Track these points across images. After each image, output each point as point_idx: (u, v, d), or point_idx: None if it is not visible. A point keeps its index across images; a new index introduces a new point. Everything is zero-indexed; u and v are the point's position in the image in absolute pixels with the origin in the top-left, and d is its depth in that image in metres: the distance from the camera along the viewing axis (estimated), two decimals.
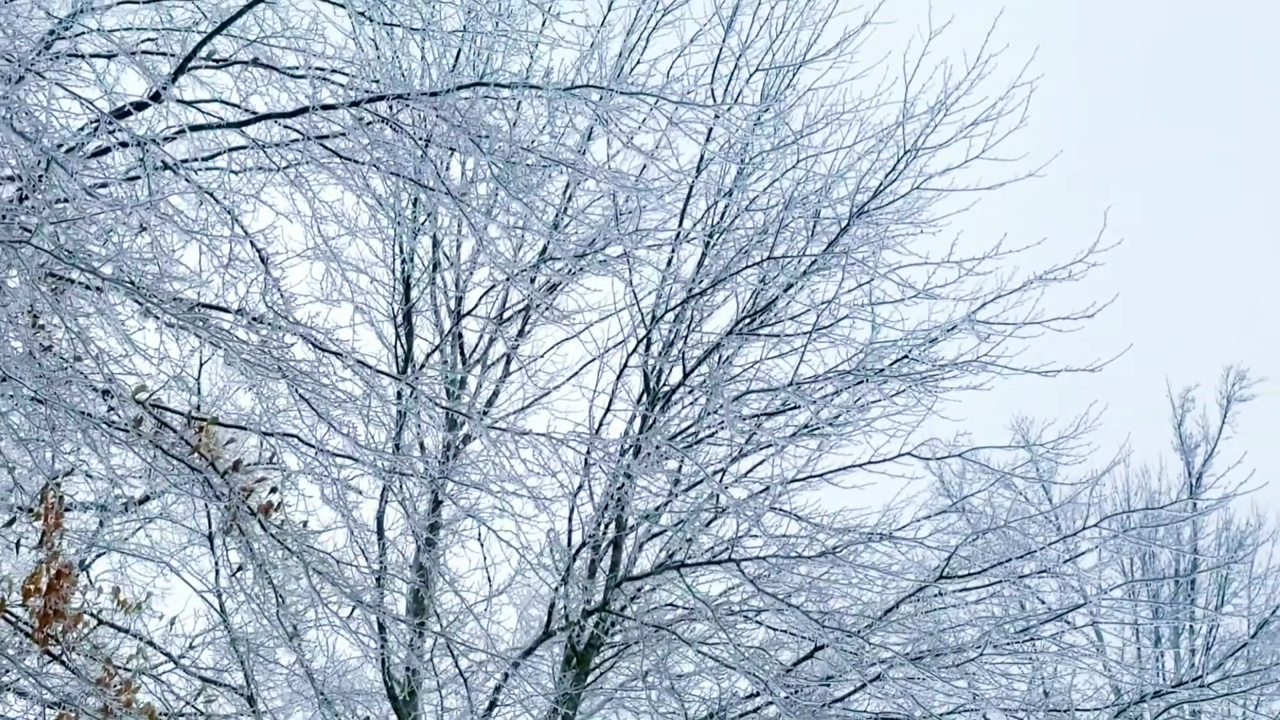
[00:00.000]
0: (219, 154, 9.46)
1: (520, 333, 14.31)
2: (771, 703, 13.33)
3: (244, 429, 10.36)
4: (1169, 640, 24.44)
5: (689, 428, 13.58)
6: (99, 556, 14.19)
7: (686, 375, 13.72)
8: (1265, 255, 52.35)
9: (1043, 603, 15.14)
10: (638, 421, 13.59)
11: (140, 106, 8.75)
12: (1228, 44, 56.40)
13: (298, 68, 9.22)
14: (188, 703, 11.94)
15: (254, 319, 9.49)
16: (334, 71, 9.40)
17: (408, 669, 13.71)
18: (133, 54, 8.79)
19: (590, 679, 14.03)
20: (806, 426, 13.52)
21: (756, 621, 13.76)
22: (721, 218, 13.77)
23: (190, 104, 9.14)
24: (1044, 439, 14.27)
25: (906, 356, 13.45)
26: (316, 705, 13.30)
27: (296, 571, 11.38)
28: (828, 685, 13.37)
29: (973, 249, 13.35)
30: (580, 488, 13.37)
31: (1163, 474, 27.30)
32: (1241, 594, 24.92)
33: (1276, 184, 54.97)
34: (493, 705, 13.90)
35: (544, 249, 13.69)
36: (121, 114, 8.67)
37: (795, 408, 13.50)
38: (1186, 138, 53.96)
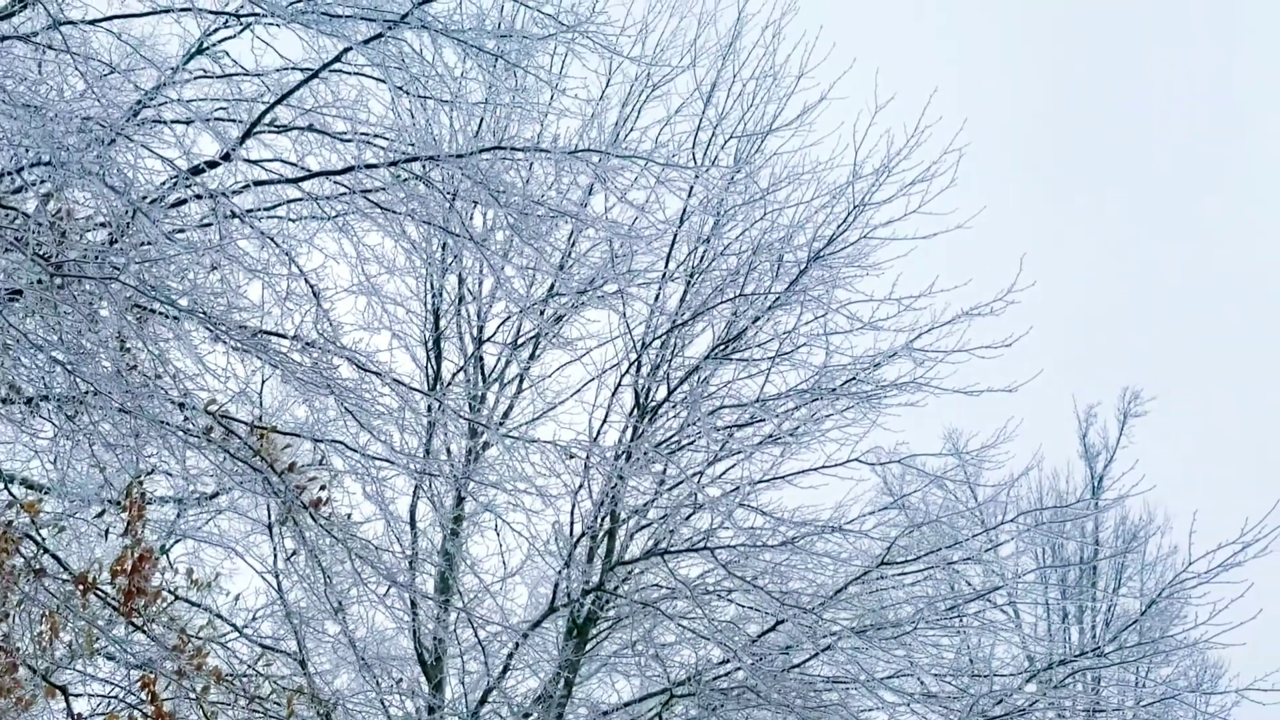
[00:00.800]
0: (279, 205, 9.46)
1: (531, 356, 14.31)
2: (740, 668, 13.29)
3: (298, 436, 10.31)
4: (1074, 617, 24.42)
5: (672, 437, 13.54)
6: (176, 543, 14.16)
7: (670, 393, 13.70)
8: (1160, 289, 52.51)
9: (969, 585, 15.09)
10: (629, 431, 13.57)
11: (212, 165, 8.74)
12: (1121, 117, 56.61)
13: (346, 133, 9.23)
14: (250, 666, 11.86)
15: (307, 344, 9.47)
16: (376, 136, 9.40)
17: (435, 638, 13.66)
18: (207, 120, 8.79)
19: (588, 648, 13.99)
20: (771, 436, 13.49)
21: (728, 600, 13.72)
22: (700, 261, 13.76)
23: (255, 163, 9.14)
24: (970, 448, 14.29)
25: (855, 379, 13.44)
26: (358, 669, 13.25)
27: (341, 556, 11.32)
28: (787, 653, 13.33)
29: (911, 288, 13.39)
30: (580, 487, 13.33)
31: (1070, 477, 27.33)
32: (1135, 578, 24.93)
33: (1169, 228, 55.11)
34: (506, 669, 13.85)
35: (551, 286, 13.69)
36: (197, 171, 8.66)
37: (761, 420, 13.48)
38: (1094, 192, 54.17)
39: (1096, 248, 52.65)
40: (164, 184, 8.67)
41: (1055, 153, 54.15)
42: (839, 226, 13.55)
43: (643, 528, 13.79)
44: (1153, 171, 55.89)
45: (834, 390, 13.42)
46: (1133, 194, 55.82)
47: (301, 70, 9.24)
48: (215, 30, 9.21)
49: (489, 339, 14.20)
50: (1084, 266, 49.06)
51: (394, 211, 9.85)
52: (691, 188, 13.39)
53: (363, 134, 9.25)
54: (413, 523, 13.70)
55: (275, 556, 13.27)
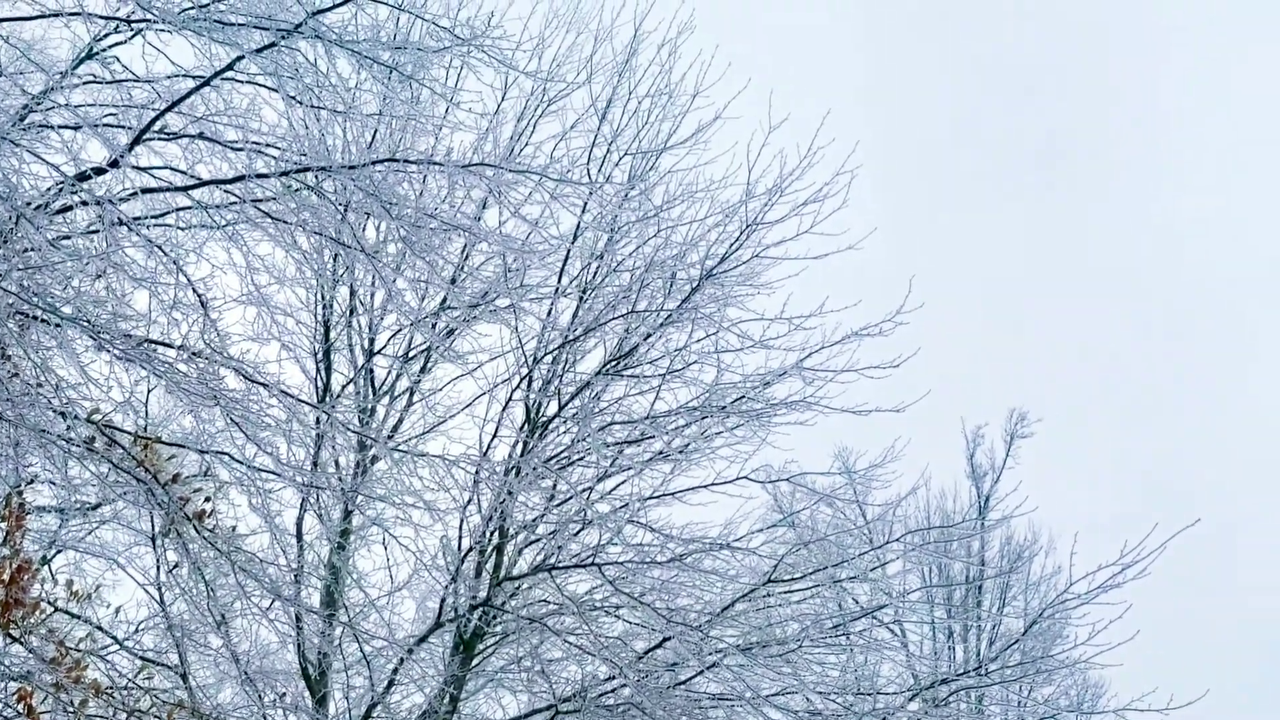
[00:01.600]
0: (167, 213, 9.39)
1: (422, 369, 14.29)
2: (626, 685, 13.33)
3: (183, 447, 10.25)
4: (959, 635, 24.73)
5: (562, 452, 13.57)
6: (57, 554, 13.95)
7: (561, 408, 13.73)
8: (1047, 314, 53.29)
9: (856, 603, 15.24)
10: (519, 447, 13.58)
11: (100, 171, 8.67)
12: (1013, 150, 57.45)
13: (237, 141, 9.18)
14: (130, 679, 11.73)
15: (193, 354, 9.41)
16: (268, 145, 9.35)
17: (320, 652, 13.57)
18: (95, 126, 8.71)
19: (474, 663, 13.96)
20: (661, 453, 13.55)
21: (615, 616, 13.75)
22: (593, 277, 13.82)
23: (144, 170, 9.07)
24: (859, 467, 14.43)
25: (745, 396, 13.53)
26: (240, 683, 13.13)
27: (225, 569, 11.25)
28: (673, 670, 13.38)
29: (801, 308, 13.50)
30: (469, 501, 13.32)
31: (957, 497, 27.70)
32: (1019, 598, 25.30)
33: (1058, 251, 55.94)
34: (391, 684, 13.79)
35: (444, 300, 13.67)
36: (84, 177, 8.59)
37: (651, 437, 13.54)
38: (984, 213, 54.89)
39: (986, 269, 53.40)
40: (50, 190, 8.58)
41: (948, 174, 54.81)
42: (731, 245, 13.65)
43: (531, 543, 13.79)
44: (1041, 195, 56.76)
45: (724, 408, 13.50)
46: (1023, 216, 56.66)
47: (193, 77, 9.19)
48: (106, 35, 9.13)
49: (380, 351, 14.15)
50: (973, 288, 49.73)
51: (285, 222, 9.82)
52: (586, 204, 13.46)
53: (254, 143, 9.21)
54: (299, 536, 13.61)
55: (158, 568, 13.12)
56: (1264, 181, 58.43)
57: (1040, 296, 54.50)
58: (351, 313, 14.05)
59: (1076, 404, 48.35)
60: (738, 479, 13.59)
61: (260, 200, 9.40)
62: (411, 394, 14.26)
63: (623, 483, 13.68)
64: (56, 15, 8.95)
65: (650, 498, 13.56)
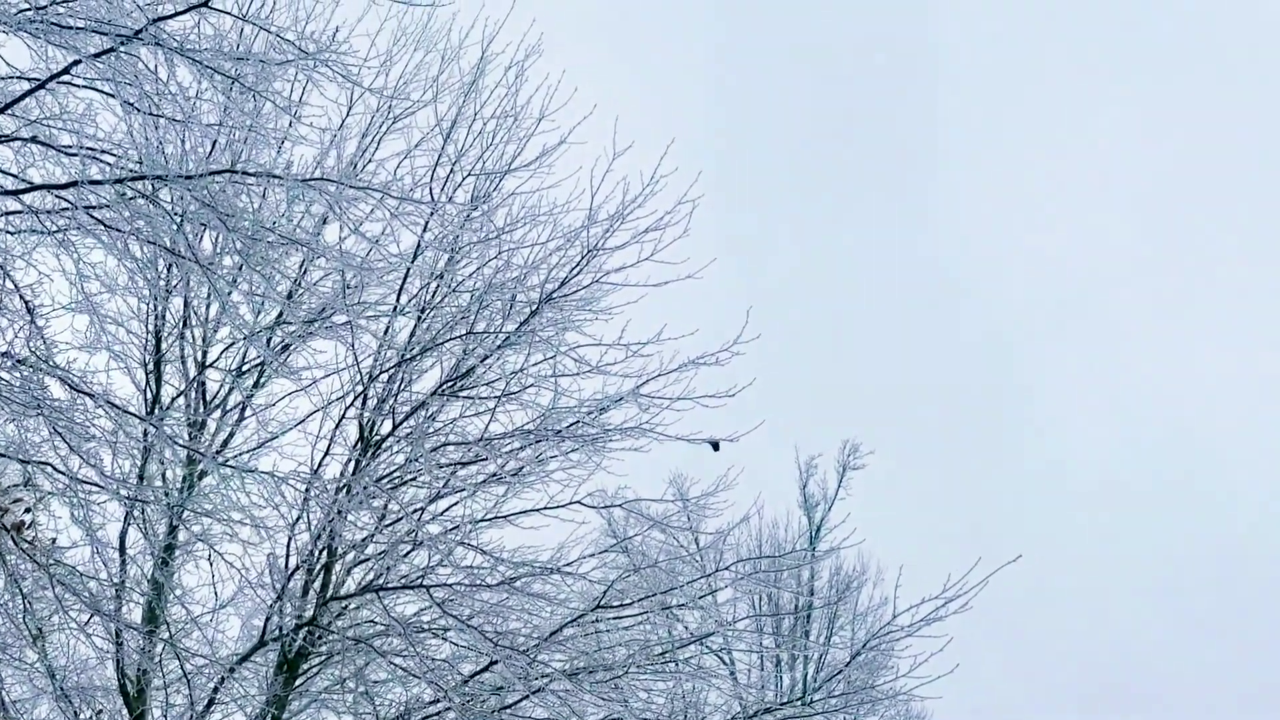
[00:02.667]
0: None
1: (256, 384, 14.13)
2: (450, 708, 13.30)
3: (4, 456, 10.05)
4: (787, 664, 25.02)
5: (395, 472, 13.52)
6: None
7: (395, 427, 13.67)
8: (880, 345, 54.14)
9: (685, 630, 15.35)
10: (351, 465, 13.50)
11: None
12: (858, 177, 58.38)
13: (71, 147, 9.06)
14: None
15: (17, 361, 9.24)
16: (104, 152, 9.25)
17: (139, 669, 13.34)
18: None
19: (298, 683, 13.82)
20: (495, 475, 13.55)
21: (443, 638, 13.71)
22: (433, 296, 13.79)
23: None
24: (693, 494, 14.55)
25: (580, 421, 13.59)
26: (56, 699, 12.88)
27: (44, 582, 11.04)
28: (499, 694, 13.38)
29: (640, 334, 13.59)
30: (298, 519, 13.21)
31: (789, 526, 28.08)
32: (847, 628, 25.70)
33: (891, 281, 56.84)
34: (211, 703, 13.60)
35: (280, 314, 13.55)
36: None
37: (485, 459, 13.55)
38: (823, 244, 55.67)
39: (824, 300, 54.12)
40: None
41: (788, 204, 55.47)
42: (572, 270, 13.72)
43: (360, 563, 13.71)
44: (876, 226, 57.72)
45: (560, 432, 13.55)
46: (859, 247, 57.59)
47: (28, 80, 9.05)
48: None
49: (212, 365, 13.97)
50: (811, 318, 50.35)
51: (119, 230, 9.69)
52: (427, 223, 13.44)
53: (89, 149, 9.10)
54: (122, 550, 13.37)
55: None
56: (1082, 216, 59.88)
57: (874, 327, 55.42)
58: (184, 324, 13.85)
59: (908, 435, 49.13)
60: (571, 503, 13.65)
61: (94, 207, 9.28)
62: (243, 409, 14.09)
63: (455, 504, 13.67)
64: None
65: (482, 520, 13.57)
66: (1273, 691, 42.27)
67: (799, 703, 15.68)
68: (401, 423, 13.67)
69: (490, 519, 13.63)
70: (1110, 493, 53.85)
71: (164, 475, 13.54)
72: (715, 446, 13.17)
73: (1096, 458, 55.34)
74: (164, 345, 13.78)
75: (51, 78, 9.00)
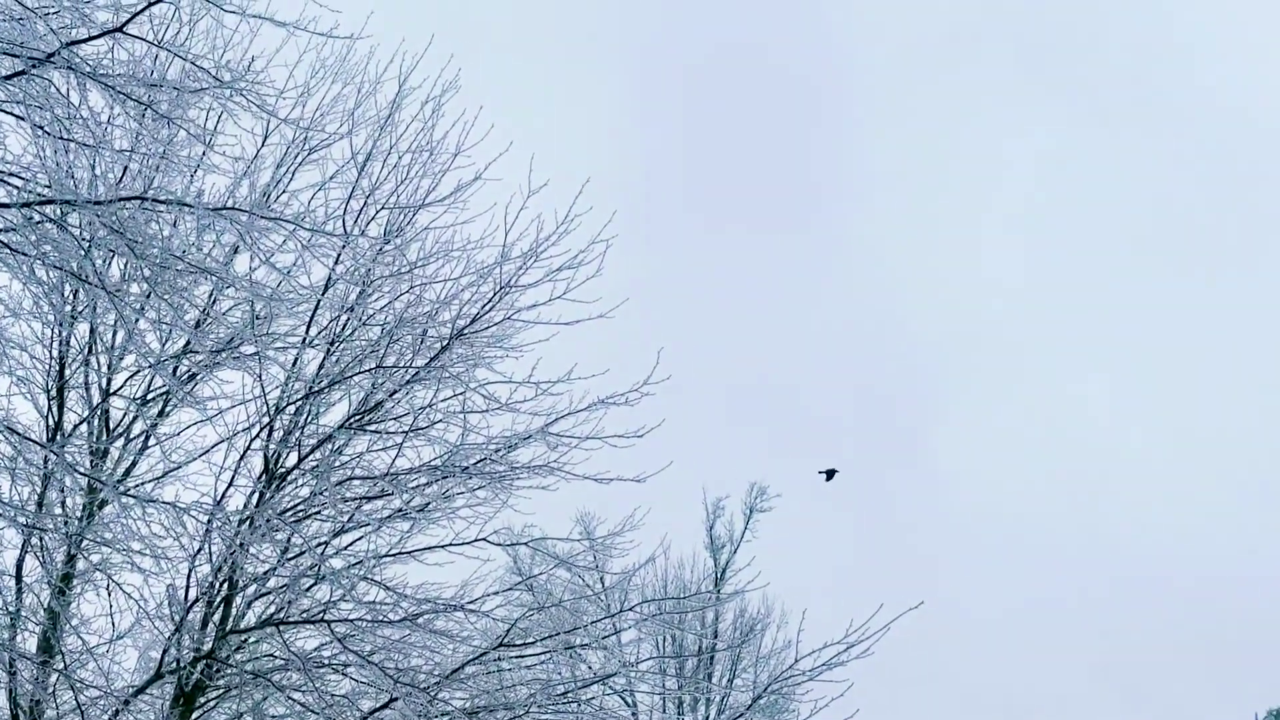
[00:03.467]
0: None
1: (160, 413, 13.97)
2: None
3: None
4: (689, 706, 25.01)
5: (299, 505, 13.41)
6: None
7: (301, 460, 13.56)
8: (790, 386, 54.40)
9: (589, 669, 15.33)
10: (255, 497, 13.38)
11: None
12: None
13: None
14: None
15: None
16: (11, 175, 9.15)
17: (33, 700, 13.12)
18: None
19: (194, 716, 13.61)
20: (400, 511, 13.48)
21: (343, 674, 13.58)
22: (343, 329, 13.72)
23: None
24: (599, 533, 14.58)
25: (488, 458, 13.56)
26: None
27: None
28: None
29: (550, 373, 13.61)
30: (199, 550, 13.04)
31: (695, 567, 28.15)
32: (749, 670, 25.73)
33: (804, 324, 57.21)
34: None
35: (187, 343, 13.41)
36: None
37: (391, 494, 13.48)
38: (733, 283, 55.93)
39: (735, 340, 54.39)
40: None
41: (700, 243, 55.76)
42: (484, 306, 13.71)
43: (261, 596, 13.57)
44: (786, 266, 58.11)
45: (467, 469, 13.50)
46: (767, 287, 57.94)
47: None
48: None
49: (116, 392, 13.80)
50: (721, 359, 50.55)
51: (24, 254, 9.59)
52: (339, 255, 13.39)
53: None
54: (19, 578, 13.15)
55: None
56: (988, 253, 60.51)
57: (784, 366, 55.74)
58: (89, 351, 13.69)
59: (816, 476, 49.34)
60: (476, 540, 13.62)
61: None
62: (147, 438, 13.93)
63: (359, 539, 13.57)
64: None
65: (386, 555, 13.49)
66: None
67: None
68: (307, 456, 13.57)
69: (395, 554, 13.55)
70: (1008, 530, 54.43)
71: (64, 503, 13.35)
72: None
73: (995, 497, 55.91)
74: (68, 371, 13.61)
75: None
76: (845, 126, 59.07)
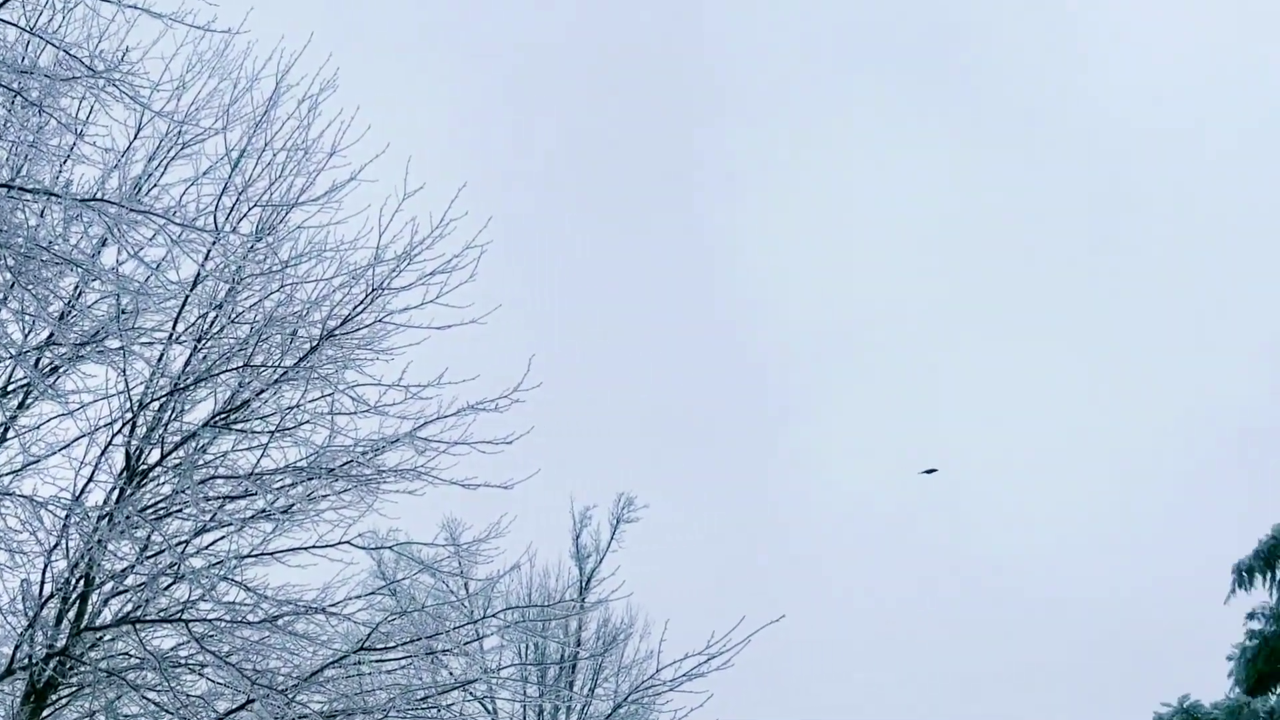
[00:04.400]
0: None
1: (20, 405, 13.71)
2: None
3: None
4: (550, 714, 25.03)
5: (160, 503, 13.24)
6: None
7: (164, 457, 13.39)
8: (663, 394, 54.54)
9: (450, 675, 15.27)
10: (116, 493, 13.19)
11: None
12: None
13: None
14: None
15: None
16: None
17: None
18: None
19: (45, 714, 13.39)
20: (264, 512, 13.36)
21: (200, 674, 13.43)
22: (211, 326, 13.58)
23: None
24: (465, 539, 14.54)
25: (355, 461, 13.49)
26: None
27: None
28: None
29: (420, 377, 13.57)
30: (56, 545, 12.84)
31: (560, 576, 28.15)
32: (611, 680, 25.80)
33: (677, 331, 57.34)
34: None
35: (50, 335, 13.19)
36: None
37: (255, 495, 13.36)
38: (615, 290, 56.03)
39: (606, 347, 54.42)
40: None
41: (572, 249, 55.70)
42: (355, 308, 13.66)
43: (118, 593, 13.37)
44: (661, 271, 58.29)
45: (333, 471, 13.42)
46: (641, 293, 58.09)
47: None
48: None
49: None
50: (588, 368, 50.55)
51: None
52: (209, 251, 13.25)
53: None
54: None
55: None
56: (858, 259, 61.02)
57: (658, 374, 55.85)
58: None
59: (684, 485, 49.65)
60: (340, 543, 13.55)
61: None
62: (5, 430, 13.67)
63: (221, 538, 13.44)
64: None
65: (248, 556, 13.36)
66: None
67: None
68: (170, 453, 13.40)
69: (256, 555, 13.43)
70: (875, 532, 55.01)
71: None
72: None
73: (861, 500, 56.38)
74: None
75: None
76: (724, 127, 59.23)
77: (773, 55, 59.49)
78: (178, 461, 13.39)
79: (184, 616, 13.01)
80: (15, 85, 9.66)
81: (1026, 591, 52.10)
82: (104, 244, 13.14)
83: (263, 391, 13.48)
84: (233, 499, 13.37)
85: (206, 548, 13.37)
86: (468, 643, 14.47)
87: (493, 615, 15.20)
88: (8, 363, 13.39)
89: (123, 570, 13.23)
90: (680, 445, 52.16)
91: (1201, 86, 62.25)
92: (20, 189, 9.92)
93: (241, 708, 13.08)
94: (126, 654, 13.40)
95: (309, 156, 13.96)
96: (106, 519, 12.58)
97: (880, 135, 59.23)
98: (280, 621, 13.11)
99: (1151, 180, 62.98)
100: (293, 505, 13.45)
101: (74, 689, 13.56)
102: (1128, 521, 54.36)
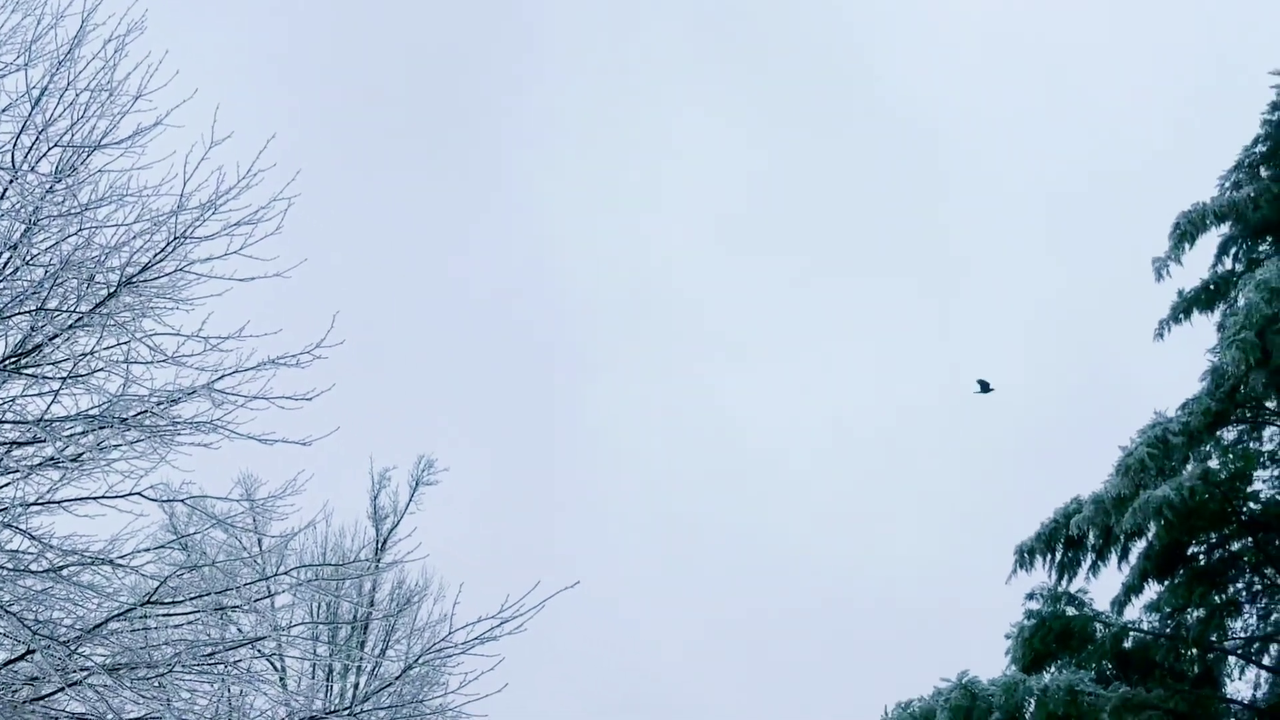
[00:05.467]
0: None
1: None
2: None
3: None
4: (339, 674, 24.91)
5: None
6: None
7: None
8: (464, 359, 54.38)
9: (240, 632, 15.12)
10: None
11: None
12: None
13: None
14: None
15: None
16: None
17: None
18: None
19: None
20: (52, 459, 13.07)
21: None
22: (4, 267, 13.21)
23: None
24: (260, 495, 14.39)
25: (149, 411, 13.26)
26: None
27: None
28: (34, 684, 12.88)
29: (221, 329, 13.40)
30: None
31: (356, 536, 28.03)
32: (403, 641, 25.78)
33: (477, 294, 57.17)
34: None
35: None
36: None
37: (44, 441, 13.06)
38: (420, 249, 55.68)
39: (408, 307, 54.09)
40: None
41: (380, 207, 55.20)
42: (156, 255, 13.40)
43: None
44: (464, 231, 58.03)
45: (125, 420, 13.18)
46: (446, 253, 57.83)
47: None
48: None
49: None
50: (396, 328, 50.24)
51: None
52: (5, 190, 12.92)
53: None
54: None
55: None
56: (658, 224, 61.33)
57: (459, 339, 55.69)
58: None
59: (486, 449, 49.64)
60: (131, 494, 13.33)
61: None
62: None
63: (6, 485, 13.13)
64: None
65: (34, 504, 13.07)
66: (807, 708, 44.44)
67: (345, 712, 15.59)
68: None
69: (43, 504, 13.15)
70: (663, 508, 55.54)
71: None
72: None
73: (650, 474, 56.86)
74: None
75: None
76: (531, 85, 58.94)
77: (581, 13, 59.32)
78: None
79: None
80: None
81: (814, 563, 53.02)
82: None
83: (56, 336, 13.18)
84: (20, 445, 13.06)
85: None
86: (258, 599, 14.33)
87: (285, 573, 15.04)
88: None
89: None
90: (482, 408, 52.14)
91: (1000, 65, 63.47)
92: None
93: (21, 658, 12.81)
94: None
95: (114, 99, 13.65)
96: None
97: (686, 100, 59.39)
98: (65, 572, 12.87)
99: (948, 155, 64.13)
100: (82, 454, 13.19)
101: None
102: (919, 498, 55.53)
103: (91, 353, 13.32)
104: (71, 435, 13.17)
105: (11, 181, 12.80)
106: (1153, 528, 21.16)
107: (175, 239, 13.44)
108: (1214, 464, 21.72)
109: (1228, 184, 23.32)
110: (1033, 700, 20.76)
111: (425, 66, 57.53)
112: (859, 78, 61.66)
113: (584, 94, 59.50)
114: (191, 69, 13.69)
